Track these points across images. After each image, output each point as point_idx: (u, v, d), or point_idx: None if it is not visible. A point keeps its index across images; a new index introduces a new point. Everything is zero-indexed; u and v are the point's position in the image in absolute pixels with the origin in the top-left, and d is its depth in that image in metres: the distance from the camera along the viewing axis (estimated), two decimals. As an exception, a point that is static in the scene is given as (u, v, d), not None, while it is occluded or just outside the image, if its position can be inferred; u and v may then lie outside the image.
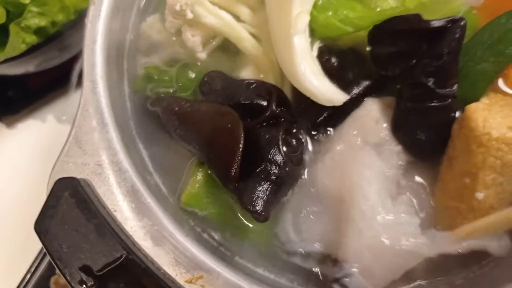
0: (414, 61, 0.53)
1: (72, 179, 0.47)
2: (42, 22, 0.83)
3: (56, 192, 0.46)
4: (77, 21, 0.87)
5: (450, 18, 0.51)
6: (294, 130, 0.57)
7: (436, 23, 0.51)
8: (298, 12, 0.52)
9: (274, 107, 0.54)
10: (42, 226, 0.45)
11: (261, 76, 0.60)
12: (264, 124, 0.54)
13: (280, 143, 0.52)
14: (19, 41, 0.81)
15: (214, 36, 0.60)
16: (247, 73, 0.60)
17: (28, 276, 0.72)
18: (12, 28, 0.79)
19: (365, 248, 0.49)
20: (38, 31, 0.84)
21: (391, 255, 0.49)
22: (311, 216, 0.54)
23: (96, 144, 0.49)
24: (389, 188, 0.53)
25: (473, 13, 0.61)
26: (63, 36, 0.87)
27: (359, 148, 0.55)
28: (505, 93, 0.58)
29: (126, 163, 0.50)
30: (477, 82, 0.58)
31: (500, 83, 0.60)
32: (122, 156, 0.50)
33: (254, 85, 0.56)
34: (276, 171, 0.51)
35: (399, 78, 0.56)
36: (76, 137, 0.50)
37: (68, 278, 0.44)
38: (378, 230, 0.49)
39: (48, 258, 0.74)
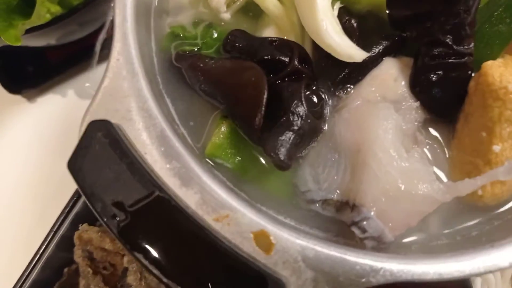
0: (432, 20, 0.55)
1: (105, 121, 0.49)
2: None
3: (90, 133, 0.48)
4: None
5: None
6: (315, 87, 0.58)
7: (454, -19, 0.53)
8: None
9: (296, 62, 0.56)
10: (75, 165, 0.48)
11: (283, 36, 0.62)
12: (286, 79, 0.56)
13: (302, 95, 0.54)
14: (44, 10, 0.83)
15: (238, -3, 0.62)
16: (269, 34, 0.62)
17: (51, 235, 0.74)
18: (39, -4, 0.81)
19: (381, 193, 0.50)
20: (62, 2, 0.86)
21: (406, 200, 0.50)
22: (329, 166, 0.55)
23: (126, 91, 0.51)
24: (405, 140, 0.55)
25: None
26: (85, 8, 0.90)
27: (378, 102, 0.57)
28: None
29: (155, 110, 0.51)
30: (493, 44, 0.59)
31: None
32: (152, 104, 0.52)
33: (277, 42, 0.58)
34: (298, 122, 0.53)
35: (417, 37, 0.57)
36: (107, 85, 0.52)
37: (101, 213, 0.46)
38: (394, 176, 0.51)
39: (70, 217, 0.77)
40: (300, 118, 0.53)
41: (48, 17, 0.85)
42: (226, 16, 0.63)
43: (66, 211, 0.75)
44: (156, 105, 0.52)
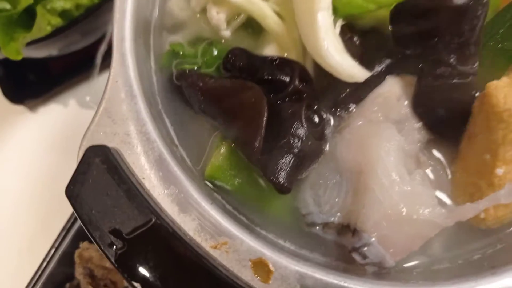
0: (436, 39, 0.54)
1: (103, 146, 0.48)
2: (67, 4, 0.85)
3: (87, 158, 0.48)
4: (100, 5, 0.89)
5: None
6: (316, 106, 0.58)
7: (458, 1, 0.51)
8: None
9: (297, 82, 0.55)
10: (73, 191, 0.47)
11: (284, 54, 0.61)
12: (287, 99, 0.55)
13: (303, 117, 0.53)
14: (45, 23, 0.83)
15: (238, 14, 0.61)
16: (270, 51, 0.61)
17: (53, 250, 0.74)
18: (39, 10, 0.81)
19: (383, 217, 0.50)
20: (63, 13, 0.87)
21: (408, 224, 0.50)
22: (330, 188, 0.55)
23: (125, 114, 0.51)
24: (407, 162, 0.54)
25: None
26: (86, 19, 0.89)
27: (380, 122, 0.56)
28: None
29: (153, 134, 0.51)
30: (498, 61, 0.58)
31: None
32: (150, 127, 0.51)
33: (277, 61, 0.57)
34: (299, 144, 0.52)
35: (421, 56, 0.56)
36: (106, 107, 0.51)
37: (98, 241, 0.45)
38: (396, 200, 0.50)
39: (72, 233, 0.77)
40: (300, 140, 0.53)
41: (49, 29, 0.86)
42: (227, 33, 0.62)
43: (68, 226, 0.75)
44: (155, 127, 0.52)
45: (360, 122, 0.57)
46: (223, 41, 0.63)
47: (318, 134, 0.56)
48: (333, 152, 0.57)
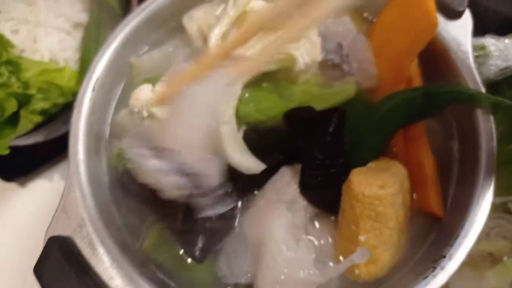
0: (310, 139, 0.72)
1: (59, 237, 0.66)
2: (46, 105, 1.03)
3: (49, 246, 0.65)
4: (74, 101, 1.08)
5: (331, 109, 0.71)
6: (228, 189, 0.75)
7: (319, 113, 0.70)
8: (223, 108, 0.72)
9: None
10: (39, 270, 0.64)
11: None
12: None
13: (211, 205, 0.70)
14: (27, 122, 1.01)
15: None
16: None
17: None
18: (22, 113, 0.99)
19: (272, 279, 0.67)
20: (42, 112, 1.03)
21: (291, 283, 0.66)
22: (239, 255, 0.71)
23: (77, 210, 0.69)
24: (294, 233, 0.71)
25: (363, 94, 0.80)
26: (64, 113, 1.08)
27: (274, 202, 0.73)
28: (388, 158, 0.77)
29: (99, 223, 0.69)
30: (364, 151, 0.76)
31: (386, 150, 0.79)
32: (97, 219, 0.69)
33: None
34: (210, 225, 0.70)
35: (304, 150, 0.75)
36: (63, 205, 0.69)
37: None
38: (281, 265, 0.67)
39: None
40: (210, 222, 0.70)
41: (31, 126, 1.03)
42: None
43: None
44: (101, 218, 0.70)
45: (262, 202, 0.75)
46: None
47: (227, 216, 0.73)
48: (241, 226, 0.74)
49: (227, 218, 0.73)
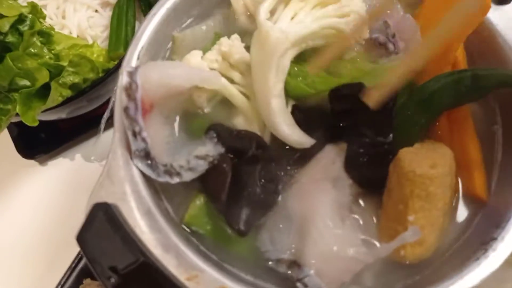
0: (358, 116, 0.71)
1: (104, 203, 0.64)
2: (76, 79, 1.01)
3: (93, 212, 0.63)
4: (104, 78, 1.06)
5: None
6: (271, 167, 0.74)
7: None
8: (274, 82, 0.71)
9: (254, 149, 0.71)
10: (82, 237, 0.63)
11: (249, 124, 0.78)
12: (247, 162, 0.72)
13: (257, 176, 0.69)
14: (57, 94, 1.00)
15: (216, 94, 0.78)
16: (238, 121, 0.78)
17: (60, 285, 0.88)
18: (53, 85, 0.97)
19: (318, 254, 0.65)
20: (72, 86, 1.02)
21: (338, 260, 0.65)
22: (282, 231, 0.70)
23: (122, 178, 0.67)
24: (340, 211, 0.69)
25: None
26: (92, 90, 1.06)
27: (319, 179, 0.72)
28: (433, 140, 0.76)
29: (143, 192, 0.67)
30: (411, 132, 0.75)
31: (434, 132, 0.78)
32: (141, 187, 0.67)
33: (241, 133, 0.74)
34: (254, 198, 0.68)
35: (350, 128, 0.73)
36: (108, 172, 0.67)
37: (99, 274, 0.61)
38: (329, 240, 0.65)
39: (76, 272, 0.91)
40: (255, 195, 0.69)
41: (60, 99, 1.01)
42: (207, 109, 0.79)
43: (72, 266, 0.90)
44: (146, 187, 0.68)
45: (306, 179, 0.73)
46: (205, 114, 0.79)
47: (272, 189, 0.72)
48: (286, 203, 0.73)
49: (271, 193, 0.71)
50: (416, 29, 0.78)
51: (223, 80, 0.77)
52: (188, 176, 0.69)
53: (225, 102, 0.80)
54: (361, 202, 0.74)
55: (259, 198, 0.69)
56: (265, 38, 0.71)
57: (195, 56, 0.74)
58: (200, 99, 0.78)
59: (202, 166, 0.70)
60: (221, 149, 0.72)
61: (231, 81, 0.79)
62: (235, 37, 0.78)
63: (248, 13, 0.83)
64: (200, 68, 0.75)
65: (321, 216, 0.68)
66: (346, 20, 0.75)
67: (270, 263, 0.70)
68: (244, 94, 0.79)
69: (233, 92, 0.78)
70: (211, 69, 0.77)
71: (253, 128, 0.78)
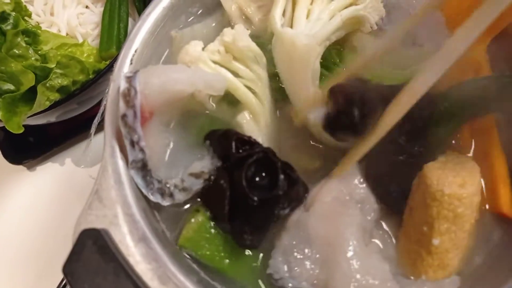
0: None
1: (94, 229, 0.57)
2: (64, 81, 0.94)
3: (81, 241, 0.56)
4: (95, 79, 0.99)
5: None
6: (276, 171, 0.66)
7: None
8: (313, 91, 0.66)
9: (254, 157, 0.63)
10: (68, 269, 0.55)
11: (256, 123, 0.71)
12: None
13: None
14: (44, 99, 0.92)
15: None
16: (243, 117, 0.71)
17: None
18: (40, 88, 0.90)
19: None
20: (60, 89, 0.95)
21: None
22: (301, 256, 0.62)
23: (113, 199, 0.60)
24: (365, 236, 0.63)
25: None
26: (82, 93, 0.99)
27: (346, 202, 0.65)
28: (459, 152, 0.69)
29: (137, 215, 0.60)
30: (435, 142, 0.68)
31: (455, 143, 0.71)
32: (135, 209, 0.60)
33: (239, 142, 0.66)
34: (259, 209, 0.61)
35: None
36: (97, 193, 0.60)
37: (90, 312, 0.54)
38: (360, 274, 0.58)
39: None
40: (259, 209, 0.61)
41: (47, 104, 0.94)
42: (210, 106, 0.72)
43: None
44: (139, 209, 0.61)
45: (329, 198, 0.65)
46: (207, 112, 0.72)
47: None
48: (305, 223, 0.64)
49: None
50: (440, 19, 0.71)
51: (226, 73, 0.70)
52: (181, 198, 0.63)
53: (229, 99, 0.73)
54: (383, 224, 0.66)
55: (264, 209, 0.62)
56: (291, 47, 0.65)
57: (194, 46, 0.66)
58: (201, 94, 0.70)
59: (197, 185, 0.64)
60: (218, 163, 0.65)
61: (236, 74, 0.71)
62: (239, 26, 0.71)
63: (244, 17, 0.76)
64: (200, 68, 0.68)
65: (351, 244, 0.61)
66: (364, 5, 0.69)
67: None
68: (248, 88, 0.71)
69: (237, 85, 0.70)
70: (212, 61, 0.70)
71: (259, 125, 0.71)
